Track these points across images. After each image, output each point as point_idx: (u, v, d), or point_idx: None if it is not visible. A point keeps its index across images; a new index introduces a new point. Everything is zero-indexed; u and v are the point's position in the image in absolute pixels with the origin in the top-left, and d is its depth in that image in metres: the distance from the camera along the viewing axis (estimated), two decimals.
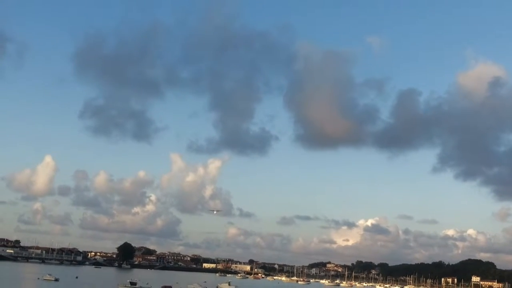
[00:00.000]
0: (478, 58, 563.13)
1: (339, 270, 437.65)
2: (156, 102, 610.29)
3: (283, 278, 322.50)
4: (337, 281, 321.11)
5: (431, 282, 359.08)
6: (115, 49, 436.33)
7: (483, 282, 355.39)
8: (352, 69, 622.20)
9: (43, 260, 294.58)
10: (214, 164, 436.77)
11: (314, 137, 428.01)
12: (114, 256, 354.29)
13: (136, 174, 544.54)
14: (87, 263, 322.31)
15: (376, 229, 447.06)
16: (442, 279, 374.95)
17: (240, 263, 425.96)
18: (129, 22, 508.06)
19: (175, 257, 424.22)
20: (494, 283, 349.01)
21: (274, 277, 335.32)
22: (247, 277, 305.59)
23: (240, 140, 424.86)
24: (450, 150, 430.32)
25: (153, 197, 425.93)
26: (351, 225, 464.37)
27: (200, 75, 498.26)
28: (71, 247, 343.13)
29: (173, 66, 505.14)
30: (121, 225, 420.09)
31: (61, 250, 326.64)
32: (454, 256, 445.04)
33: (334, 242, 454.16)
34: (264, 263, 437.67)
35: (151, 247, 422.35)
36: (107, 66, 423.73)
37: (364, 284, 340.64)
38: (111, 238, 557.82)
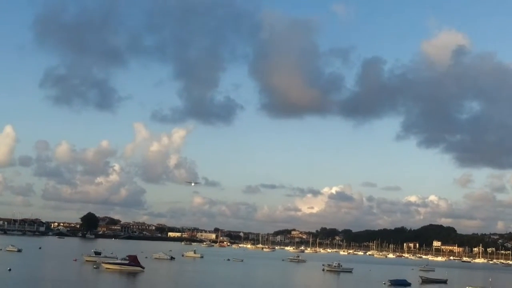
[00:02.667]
0: (441, 26, 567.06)
1: (304, 237, 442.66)
2: (119, 71, 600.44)
3: (249, 246, 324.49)
4: (302, 247, 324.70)
5: (393, 247, 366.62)
6: (76, 16, 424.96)
7: (444, 247, 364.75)
8: (317, 38, 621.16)
9: (5, 231, 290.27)
10: (178, 133, 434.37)
11: (280, 106, 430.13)
12: (78, 226, 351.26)
13: (99, 143, 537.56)
14: (50, 233, 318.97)
15: (340, 197, 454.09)
16: (404, 244, 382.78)
17: (205, 231, 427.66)
18: None
19: (139, 227, 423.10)
20: (454, 247, 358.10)
21: (240, 245, 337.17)
22: (213, 246, 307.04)
23: (205, 109, 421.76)
24: (414, 118, 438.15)
25: (116, 167, 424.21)
26: (315, 193, 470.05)
27: (164, 43, 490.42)
28: (33, 217, 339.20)
29: (137, 34, 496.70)
30: (85, 195, 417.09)
31: (23, 221, 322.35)
32: (416, 222, 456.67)
33: (299, 210, 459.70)
34: (229, 231, 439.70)
35: (116, 217, 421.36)
36: (68, 34, 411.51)
37: (328, 250, 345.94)
38: (75, 209, 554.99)
